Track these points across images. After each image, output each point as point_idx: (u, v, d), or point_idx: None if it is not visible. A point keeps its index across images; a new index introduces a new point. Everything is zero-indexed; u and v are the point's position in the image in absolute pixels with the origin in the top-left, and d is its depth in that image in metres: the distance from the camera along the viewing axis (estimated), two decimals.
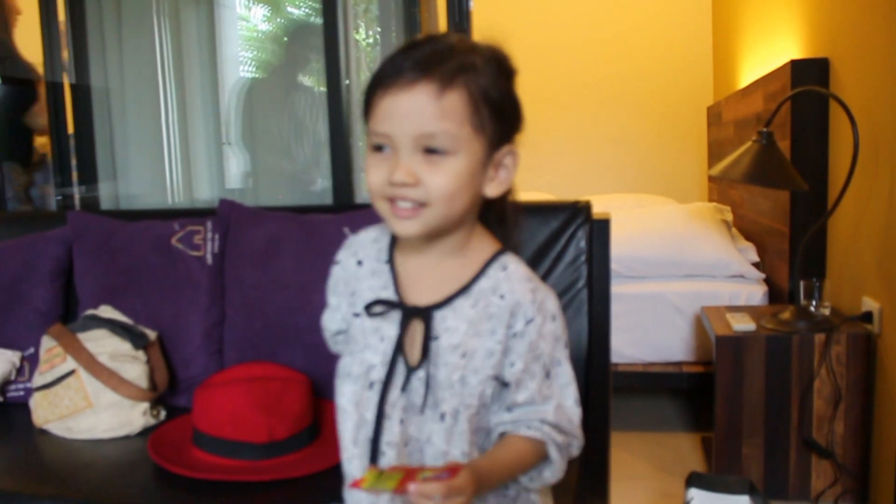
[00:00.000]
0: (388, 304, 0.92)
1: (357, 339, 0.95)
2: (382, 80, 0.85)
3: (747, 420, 2.18)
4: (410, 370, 0.91)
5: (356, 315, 0.96)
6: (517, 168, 0.93)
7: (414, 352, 0.91)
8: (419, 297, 0.93)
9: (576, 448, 0.96)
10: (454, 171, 0.85)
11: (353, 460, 0.93)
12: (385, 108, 0.84)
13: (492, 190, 0.91)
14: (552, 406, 0.92)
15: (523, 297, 0.91)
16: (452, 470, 0.80)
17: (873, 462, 2.11)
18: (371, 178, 0.88)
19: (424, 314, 0.91)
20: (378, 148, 0.87)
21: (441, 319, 0.91)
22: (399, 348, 0.91)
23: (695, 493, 1.79)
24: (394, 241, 0.97)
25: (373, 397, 0.91)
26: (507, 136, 0.91)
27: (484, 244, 0.96)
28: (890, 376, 1.98)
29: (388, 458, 0.90)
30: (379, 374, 0.91)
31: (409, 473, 0.79)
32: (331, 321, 1.04)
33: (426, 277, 0.94)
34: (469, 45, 0.89)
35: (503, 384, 0.92)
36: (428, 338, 0.90)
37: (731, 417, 2.19)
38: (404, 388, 0.90)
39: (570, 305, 1.60)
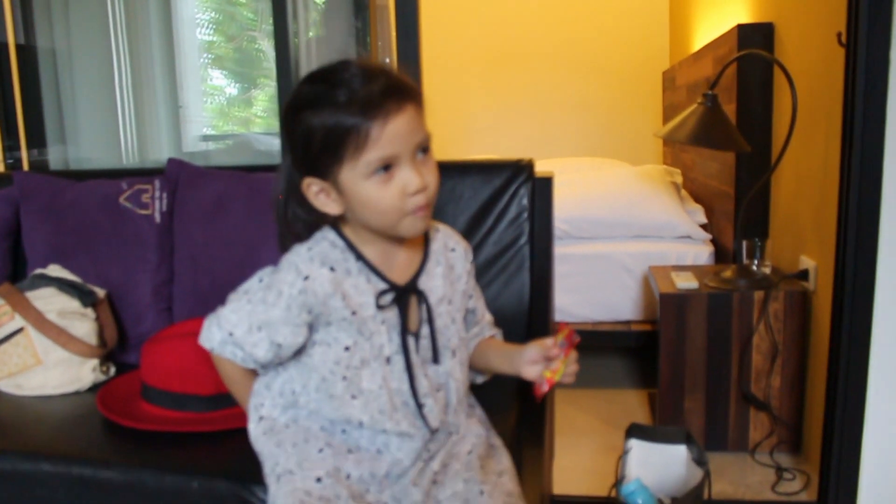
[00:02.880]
0: (392, 290, 1.04)
1: (357, 332, 1.03)
2: (369, 113, 0.94)
3: (689, 375, 2.26)
4: (415, 335, 1.06)
5: (353, 314, 1.02)
6: None
7: (412, 320, 1.06)
8: (397, 276, 1.06)
9: None
10: (433, 164, 1.01)
11: (401, 422, 1.05)
12: (389, 133, 0.95)
13: None
14: (488, 311, 1.22)
15: (462, 245, 1.16)
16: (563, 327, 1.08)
17: (806, 414, 2.20)
18: (386, 200, 0.97)
19: (413, 288, 1.06)
20: (385, 168, 0.96)
21: (423, 284, 1.07)
22: (404, 322, 1.05)
23: (634, 444, 1.86)
24: (347, 242, 1.05)
25: (394, 368, 1.05)
26: None
27: None
28: (822, 332, 2.05)
29: (429, 406, 1.06)
30: (390, 349, 1.04)
31: (566, 343, 1.04)
32: (293, 337, 1.04)
33: (393, 259, 1.06)
34: (392, 68, 1.04)
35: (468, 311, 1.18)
36: (426, 303, 1.06)
37: (675, 373, 2.27)
38: (417, 350, 1.06)
39: (513, 261, 1.64)
